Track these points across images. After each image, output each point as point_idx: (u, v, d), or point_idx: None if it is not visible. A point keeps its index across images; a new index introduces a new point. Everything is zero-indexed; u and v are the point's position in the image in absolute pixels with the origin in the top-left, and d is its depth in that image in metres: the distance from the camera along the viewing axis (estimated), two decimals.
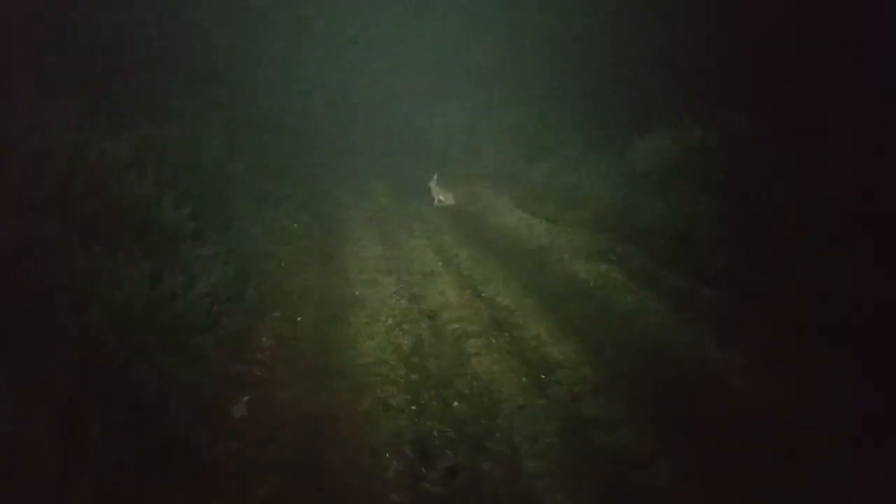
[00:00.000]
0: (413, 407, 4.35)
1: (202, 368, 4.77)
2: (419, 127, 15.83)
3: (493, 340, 5.25)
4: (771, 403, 4.23)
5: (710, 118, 7.47)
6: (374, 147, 15.13)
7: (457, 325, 5.62)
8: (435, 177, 10.39)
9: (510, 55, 14.81)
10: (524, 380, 4.65)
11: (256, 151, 10.57)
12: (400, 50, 19.06)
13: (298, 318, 6.05)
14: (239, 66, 12.90)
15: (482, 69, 15.80)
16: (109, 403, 3.74)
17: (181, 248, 6.08)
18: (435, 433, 4.04)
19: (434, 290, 6.49)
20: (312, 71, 17.72)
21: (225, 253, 6.77)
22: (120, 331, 4.20)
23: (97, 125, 6.28)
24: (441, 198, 10.36)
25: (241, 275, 6.57)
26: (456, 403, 4.39)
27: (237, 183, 9.04)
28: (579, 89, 11.78)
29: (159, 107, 8.19)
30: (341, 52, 19.21)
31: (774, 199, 6.35)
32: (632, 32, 10.30)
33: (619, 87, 9.91)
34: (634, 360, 4.84)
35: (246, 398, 4.61)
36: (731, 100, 7.62)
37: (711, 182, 6.96)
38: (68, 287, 4.21)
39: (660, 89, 8.68)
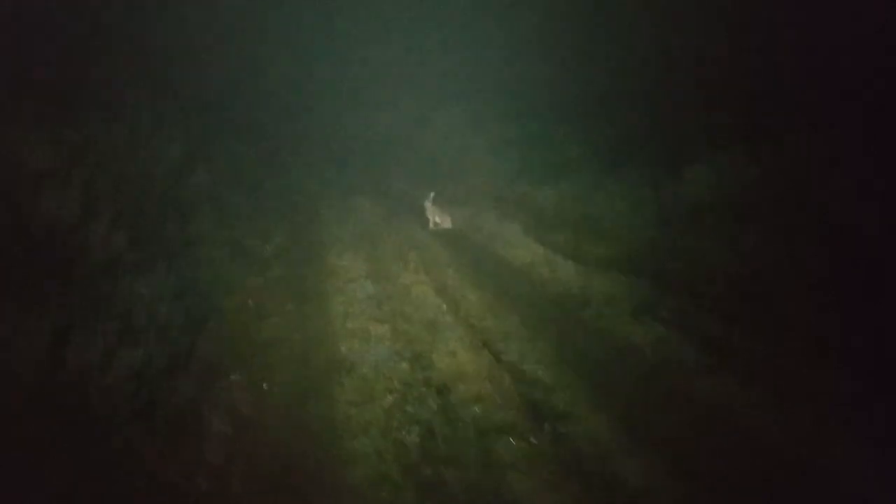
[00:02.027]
0: None
1: (122, 480, 3.21)
2: (407, 137, 14.27)
3: (533, 440, 3.75)
4: None
5: (768, 145, 6.13)
6: (357, 157, 13.52)
7: (477, 409, 4.11)
8: (431, 196, 8.87)
9: (509, 63, 13.41)
10: None
11: (224, 158, 8.94)
12: (387, 54, 17.46)
13: (264, 385, 4.49)
14: (208, 60, 11.16)
15: (477, 77, 14.35)
16: None
17: (112, 287, 4.48)
18: None
19: (442, 349, 4.98)
20: (290, 72, 15.95)
21: (174, 289, 5.17)
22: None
23: (11, 122, 4.66)
24: (437, 220, 8.85)
25: (192, 321, 4.99)
26: None
27: (199, 197, 7.42)
28: (589, 103, 10.42)
29: (104, 100, 6.53)
30: (323, 55, 17.51)
31: (861, 236, 5.02)
32: (655, 43, 8.95)
33: (644, 103, 8.53)
34: (745, 482, 3.39)
35: None
36: (787, 123, 6.32)
37: (779, 220, 5.60)
38: None
39: (697, 109, 7.31)
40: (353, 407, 4.12)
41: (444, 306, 5.91)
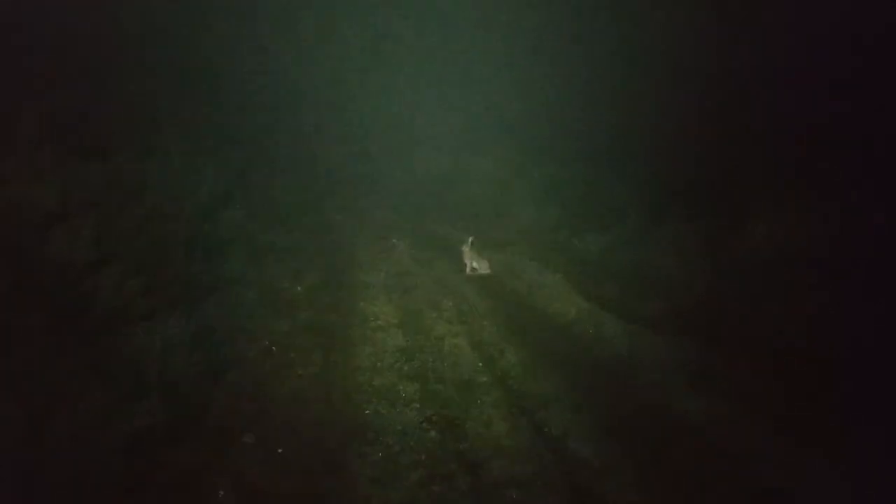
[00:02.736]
0: None
1: None
2: (446, 179, 13.91)
3: None
4: None
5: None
6: (394, 196, 13.19)
7: (514, 494, 3.58)
8: (470, 241, 8.42)
9: (553, 105, 13.02)
10: None
11: (259, 194, 8.70)
12: (424, 92, 17.13)
13: (279, 451, 4.04)
14: (248, 90, 11.02)
15: (520, 119, 13.98)
16: None
17: (120, 339, 4.12)
18: None
19: (476, 416, 4.46)
20: (326, 104, 15.70)
21: (192, 338, 4.80)
22: None
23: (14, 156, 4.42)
24: (475, 265, 8.39)
25: (209, 373, 4.60)
26: None
27: (231, 234, 7.13)
28: (635, 147, 9.93)
29: (138, 133, 6.30)
30: (359, 87, 17.24)
31: None
32: (712, 82, 8.39)
33: (698, 149, 7.99)
34: None
35: None
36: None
37: (851, 280, 4.98)
38: None
39: (759, 156, 6.74)
40: (375, 485, 3.63)
41: (480, 364, 5.41)
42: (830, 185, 5.64)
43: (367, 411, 4.48)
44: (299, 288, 7.35)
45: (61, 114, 5.10)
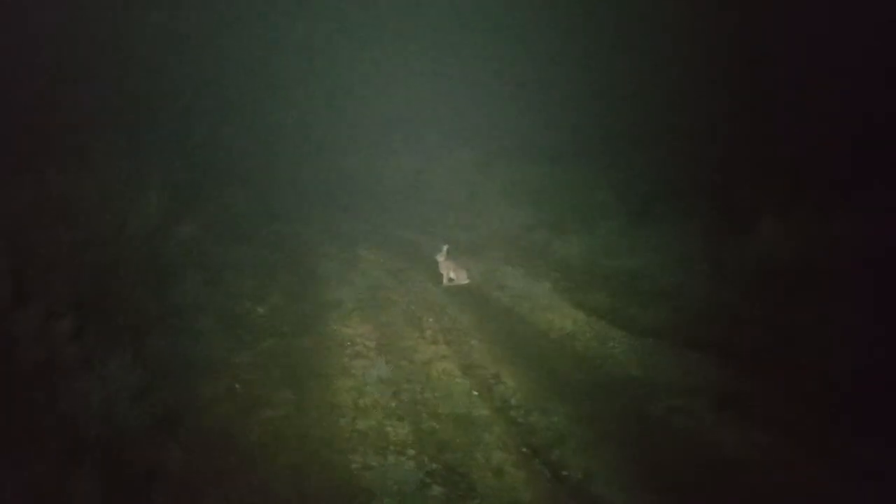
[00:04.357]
0: None
1: None
2: (412, 182, 13.16)
3: None
4: None
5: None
6: (360, 204, 12.38)
7: None
8: (444, 249, 7.69)
9: (516, 99, 12.37)
10: None
11: (214, 207, 7.78)
12: (390, 90, 16.18)
13: None
14: (191, 102, 10.00)
15: (483, 117, 13.29)
16: None
17: (44, 395, 3.27)
18: None
19: (482, 462, 3.75)
20: (285, 103, 14.63)
21: (136, 385, 3.95)
22: None
23: None
24: (452, 275, 7.66)
25: (157, 427, 3.78)
26: None
27: (184, 254, 6.24)
28: (614, 142, 9.39)
29: (72, 147, 5.37)
30: (319, 85, 16.19)
31: None
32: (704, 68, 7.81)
33: (687, 144, 7.47)
34: None
35: None
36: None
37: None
38: None
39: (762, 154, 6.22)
40: None
41: (475, 392, 4.70)
42: (855, 185, 5.15)
43: (353, 465, 3.71)
44: (260, 309, 6.52)
45: None
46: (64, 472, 3.12)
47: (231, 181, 9.23)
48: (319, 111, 14.85)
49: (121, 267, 4.66)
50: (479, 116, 13.28)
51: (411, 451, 3.85)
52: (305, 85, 14.47)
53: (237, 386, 4.82)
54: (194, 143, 8.46)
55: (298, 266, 8.10)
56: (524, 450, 3.88)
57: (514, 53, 12.48)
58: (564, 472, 3.65)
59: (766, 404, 4.14)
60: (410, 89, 15.07)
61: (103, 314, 4.12)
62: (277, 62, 14.06)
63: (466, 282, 7.63)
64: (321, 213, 11.35)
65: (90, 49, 6.47)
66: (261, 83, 13.48)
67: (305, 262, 8.35)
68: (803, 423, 3.94)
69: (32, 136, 4.91)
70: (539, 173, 10.51)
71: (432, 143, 14.00)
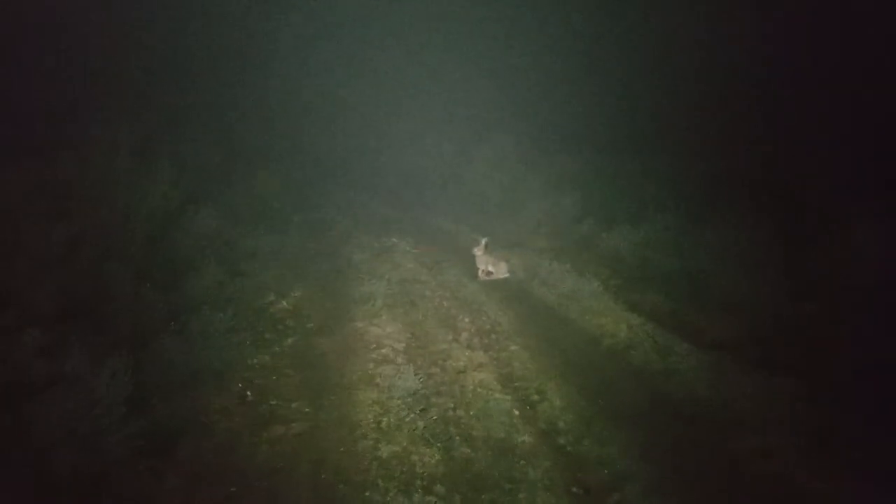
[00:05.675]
0: None
1: None
2: (450, 172, 12.36)
3: None
4: None
5: None
6: (393, 192, 11.71)
7: None
8: (483, 242, 6.99)
9: (563, 93, 11.55)
10: None
11: (240, 192, 7.22)
12: (424, 79, 15.50)
13: None
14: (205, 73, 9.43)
15: (525, 105, 12.50)
16: None
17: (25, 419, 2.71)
18: None
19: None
20: (315, 88, 14.05)
21: (130, 400, 3.39)
22: None
23: None
24: (491, 269, 6.99)
25: (154, 448, 3.22)
26: None
27: (200, 244, 5.70)
28: (666, 135, 8.53)
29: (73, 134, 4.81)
30: (350, 69, 15.60)
31: None
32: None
33: (747, 139, 6.57)
34: None
35: None
36: None
37: None
38: None
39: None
40: None
41: (517, 412, 4.03)
42: None
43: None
44: (284, 303, 5.96)
45: None
46: None
47: (262, 165, 8.67)
48: (352, 94, 14.27)
49: (122, 262, 4.11)
50: (518, 107, 12.54)
51: (440, 489, 3.21)
52: (337, 68, 13.91)
53: (249, 394, 4.26)
54: (212, 120, 7.87)
55: (328, 256, 7.52)
56: (578, 492, 3.19)
57: (555, 41, 11.64)
58: None
59: (870, 446, 3.35)
60: (443, 81, 14.42)
61: (96, 318, 3.58)
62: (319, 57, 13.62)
63: (506, 275, 6.95)
64: (355, 201, 10.76)
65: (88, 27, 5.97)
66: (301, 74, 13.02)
67: (336, 250, 7.77)
68: None
69: (30, 126, 4.36)
70: (584, 164, 9.70)
71: (469, 134, 13.24)
